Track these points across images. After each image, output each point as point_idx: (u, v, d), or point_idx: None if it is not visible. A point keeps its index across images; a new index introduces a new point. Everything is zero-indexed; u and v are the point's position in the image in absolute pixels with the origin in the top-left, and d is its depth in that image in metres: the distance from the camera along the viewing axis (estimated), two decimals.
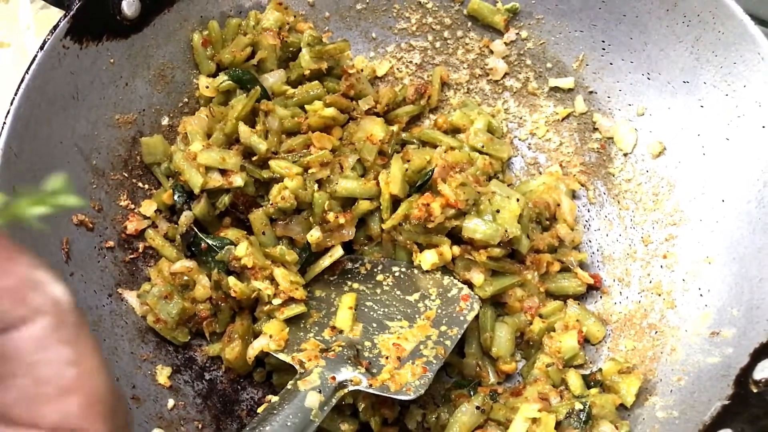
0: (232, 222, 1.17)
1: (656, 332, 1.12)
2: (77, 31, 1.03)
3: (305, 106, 1.18)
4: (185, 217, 1.12)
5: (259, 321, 1.11)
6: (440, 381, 1.18)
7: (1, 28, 1.38)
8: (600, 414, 1.04)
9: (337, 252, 1.14)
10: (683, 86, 1.17)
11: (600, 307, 1.21)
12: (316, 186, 1.12)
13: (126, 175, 1.15)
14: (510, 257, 1.17)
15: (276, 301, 1.08)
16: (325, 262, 1.14)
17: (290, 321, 1.10)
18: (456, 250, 1.14)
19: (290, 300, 1.08)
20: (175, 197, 1.14)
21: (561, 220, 1.24)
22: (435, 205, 1.10)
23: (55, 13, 1.40)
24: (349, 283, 1.16)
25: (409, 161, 1.15)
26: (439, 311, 1.11)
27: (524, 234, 1.15)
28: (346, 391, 1.01)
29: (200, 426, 1.07)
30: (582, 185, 1.28)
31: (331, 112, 1.17)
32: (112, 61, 1.10)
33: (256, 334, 1.10)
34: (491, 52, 1.32)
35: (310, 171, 1.12)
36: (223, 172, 1.11)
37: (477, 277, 1.15)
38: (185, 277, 1.11)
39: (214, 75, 1.21)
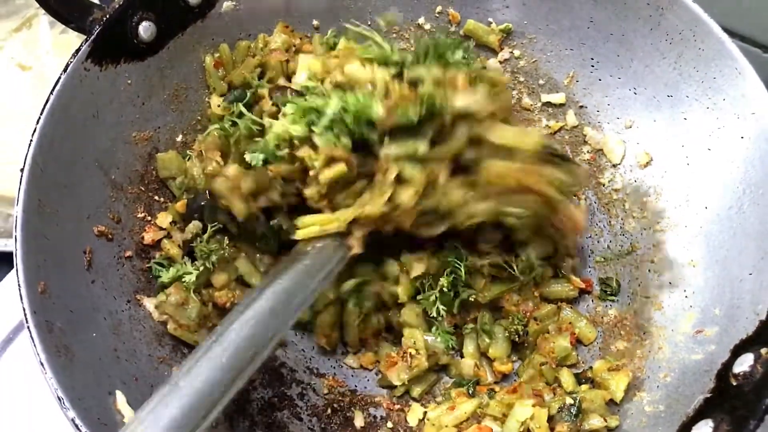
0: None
1: (644, 332, 1.18)
2: (97, 54, 1.11)
3: None
4: (193, 226, 1.20)
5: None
6: (441, 381, 1.24)
7: (25, 51, 1.45)
8: (590, 408, 1.09)
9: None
10: (667, 100, 1.23)
11: (592, 310, 1.27)
12: None
13: (143, 188, 1.22)
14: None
15: (317, 163, 1.03)
16: None
17: None
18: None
19: (332, 160, 1.04)
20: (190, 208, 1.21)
21: None
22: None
23: (73, 38, 1.47)
24: None
25: None
26: None
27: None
28: None
29: (214, 423, 1.12)
30: (574, 195, 1.34)
31: None
32: (129, 82, 1.17)
33: None
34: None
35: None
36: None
37: (478, 282, 1.21)
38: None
39: (226, 95, 1.28)
